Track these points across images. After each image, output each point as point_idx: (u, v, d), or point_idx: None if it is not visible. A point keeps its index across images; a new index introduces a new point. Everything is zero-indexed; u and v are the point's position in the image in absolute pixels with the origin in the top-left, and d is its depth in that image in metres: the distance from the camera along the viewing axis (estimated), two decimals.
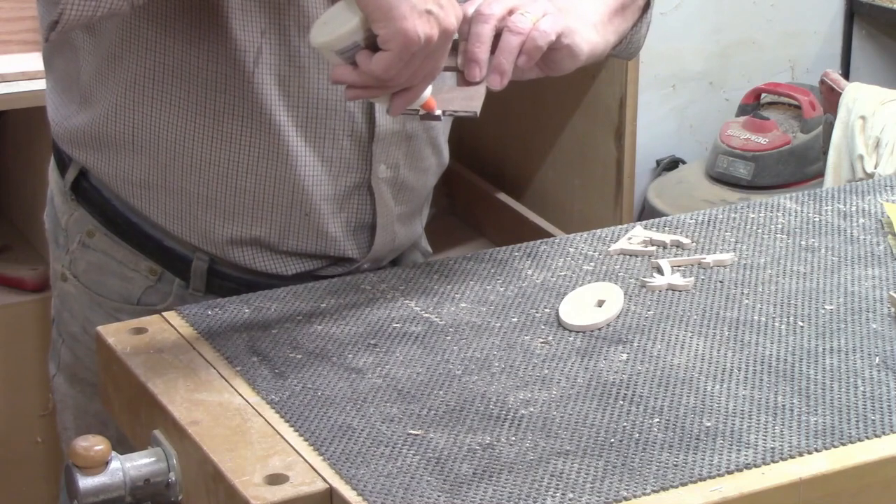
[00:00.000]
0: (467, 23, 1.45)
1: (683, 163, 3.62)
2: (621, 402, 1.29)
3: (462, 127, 1.73)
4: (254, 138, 1.52)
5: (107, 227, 1.61)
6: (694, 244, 1.61)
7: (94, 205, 1.61)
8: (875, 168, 2.58)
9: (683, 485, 1.17)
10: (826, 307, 1.46)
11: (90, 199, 1.61)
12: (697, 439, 1.23)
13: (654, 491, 1.16)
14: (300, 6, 1.48)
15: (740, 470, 1.19)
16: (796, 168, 3.35)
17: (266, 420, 1.27)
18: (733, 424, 1.25)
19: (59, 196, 1.66)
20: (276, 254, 1.58)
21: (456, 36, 1.45)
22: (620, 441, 1.23)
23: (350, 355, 1.38)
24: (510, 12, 1.45)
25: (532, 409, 1.28)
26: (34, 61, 2.36)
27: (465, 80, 1.45)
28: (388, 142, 1.57)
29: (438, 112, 1.43)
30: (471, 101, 1.44)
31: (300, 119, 1.52)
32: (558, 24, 1.46)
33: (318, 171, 1.54)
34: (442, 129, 1.66)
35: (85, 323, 1.62)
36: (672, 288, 1.51)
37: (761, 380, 1.32)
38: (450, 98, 1.45)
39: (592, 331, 1.42)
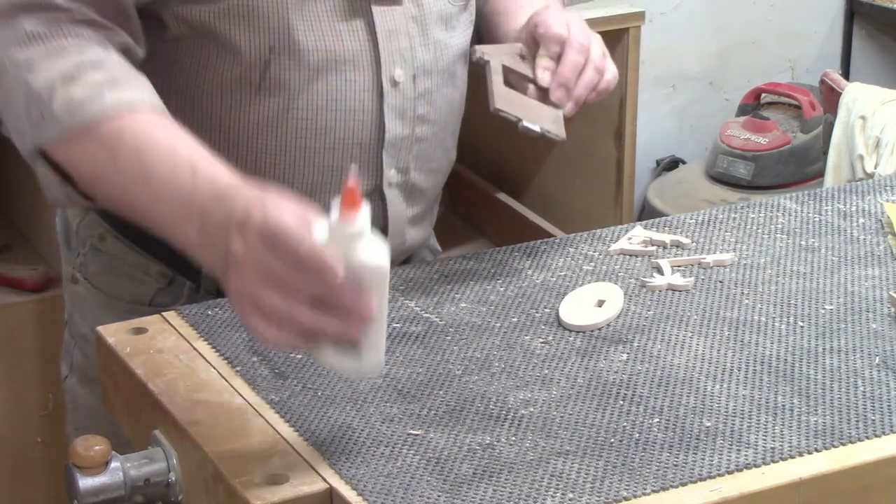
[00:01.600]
0: (558, 43, 1.50)
1: (683, 163, 3.62)
2: (621, 402, 1.29)
3: (463, 127, 1.73)
4: (261, 151, 1.52)
5: (118, 231, 1.61)
6: (694, 244, 1.61)
7: (105, 209, 1.61)
8: (875, 168, 2.58)
9: (683, 485, 1.17)
10: (826, 307, 1.46)
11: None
12: (697, 439, 1.23)
13: (654, 491, 1.16)
14: (310, 20, 1.48)
15: (740, 470, 1.19)
16: (796, 168, 3.35)
17: (266, 420, 1.27)
18: (733, 424, 1.25)
19: None
20: None
21: (522, 49, 1.51)
22: (620, 441, 1.23)
23: None
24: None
25: (532, 409, 1.28)
26: None
27: (540, 92, 1.50)
28: (399, 146, 1.57)
29: (536, 128, 1.46)
30: (558, 124, 1.48)
31: (309, 130, 1.52)
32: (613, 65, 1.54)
33: (327, 180, 1.54)
34: (451, 130, 1.66)
35: (96, 324, 1.61)
36: (672, 288, 1.51)
37: (761, 380, 1.32)
38: (541, 116, 1.48)
39: (592, 331, 1.42)
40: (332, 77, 1.51)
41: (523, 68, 1.52)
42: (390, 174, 1.57)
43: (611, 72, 1.54)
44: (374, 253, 1.16)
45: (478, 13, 1.69)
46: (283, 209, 1.18)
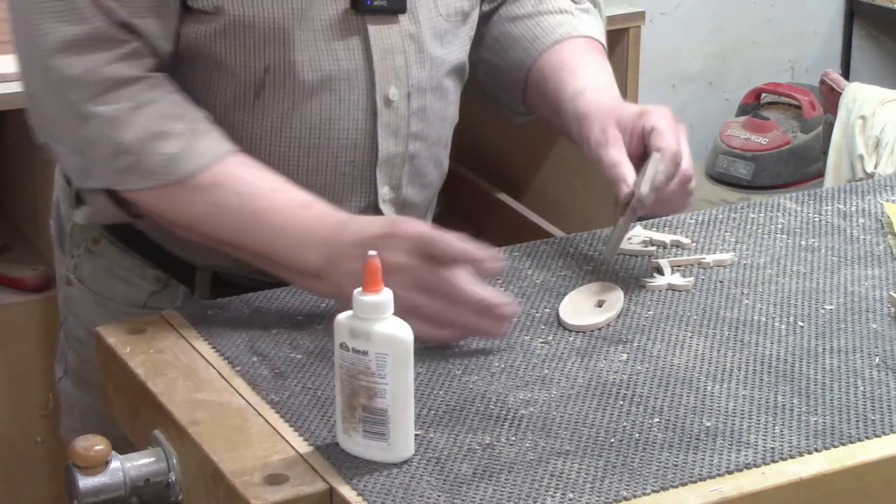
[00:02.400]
0: (675, 164, 1.52)
1: None
2: (621, 402, 1.29)
3: (463, 127, 1.73)
4: None
5: (112, 236, 1.60)
6: (694, 244, 1.61)
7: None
8: (875, 168, 2.58)
9: (683, 485, 1.17)
10: (826, 307, 1.46)
11: None
12: (697, 439, 1.23)
13: (654, 491, 1.16)
14: (305, 39, 1.48)
15: (740, 470, 1.19)
16: (796, 168, 3.36)
17: (266, 420, 1.27)
18: (733, 424, 1.25)
19: (64, 202, 1.65)
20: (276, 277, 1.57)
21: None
22: (620, 441, 1.23)
23: None
24: None
25: (532, 409, 1.28)
26: None
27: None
28: (392, 164, 1.57)
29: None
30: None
31: (302, 149, 1.51)
32: None
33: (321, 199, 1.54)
34: (444, 144, 1.66)
35: (90, 326, 1.60)
36: (672, 288, 1.51)
37: (761, 380, 1.32)
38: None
39: (592, 331, 1.42)
40: (326, 96, 1.50)
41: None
42: (383, 191, 1.57)
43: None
44: (397, 327, 1.19)
45: (531, 63, 1.66)
46: (414, 223, 1.38)
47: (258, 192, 1.44)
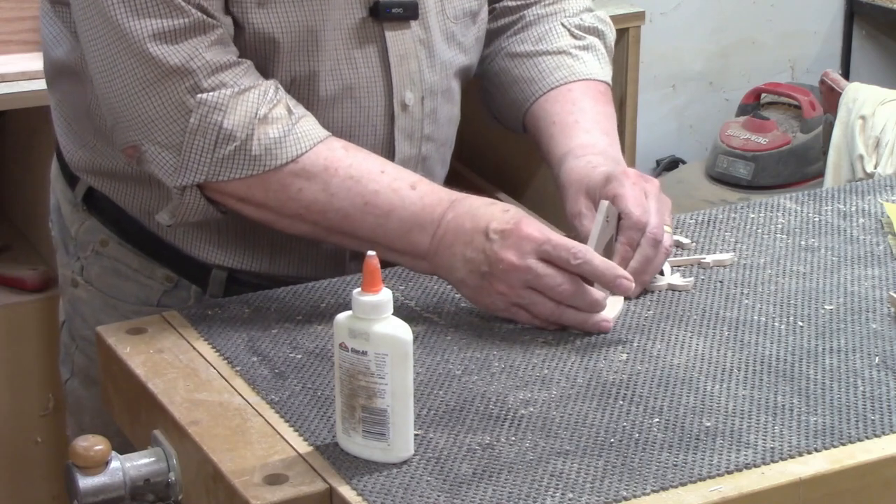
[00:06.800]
0: (638, 231, 1.46)
1: (683, 163, 3.62)
2: (621, 402, 1.29)
3: (463, 127, 1.73)
4: None
5: (121, 237, 1.60)
6: (694, 244, 1.61)
7: (107, 215, 1.60)
8: (875, 168, 2.58)
9: (683, 485, 1.17)
10: (826, 307, 1.46)
11: (103, 210, 1.61)
12: (697, 439, 1.23)
13: (653, 491, 1.16)
14: (328, 49, 1.49)
15: (740, 470, 1.19)
16: (796, 168, 3.36)
17: (266, 420, 1.27)
18: (733, 424, 1.25)
19: (66, 205, 1.65)
20: (293, 279, 1.57)
21: (609, 211, 1.47)
22: (620, 441, 1.23)
23: None
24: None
25: (532, 409, 1.28)
26: (34, 61, 2.36)
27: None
28: (406, 166, 1.57)
29: None
30: (613, 310, 1.45)
31: None
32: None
33: None
34: (450, 144, 1.67)
35: (100, 325, 1.61)
36: (672, 288, 1.51)
37: (761, 380, 1.32)
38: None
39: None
40: (347, 104, 1.51)
41: (607, 233, 1.49)
42: None
43: (667, 243, 1.50)
44: (396, 328, 1.19)
45: (528, 107, 1.66)
46: (536, 225, 1.40)
47: (368, 174, 1.44)
